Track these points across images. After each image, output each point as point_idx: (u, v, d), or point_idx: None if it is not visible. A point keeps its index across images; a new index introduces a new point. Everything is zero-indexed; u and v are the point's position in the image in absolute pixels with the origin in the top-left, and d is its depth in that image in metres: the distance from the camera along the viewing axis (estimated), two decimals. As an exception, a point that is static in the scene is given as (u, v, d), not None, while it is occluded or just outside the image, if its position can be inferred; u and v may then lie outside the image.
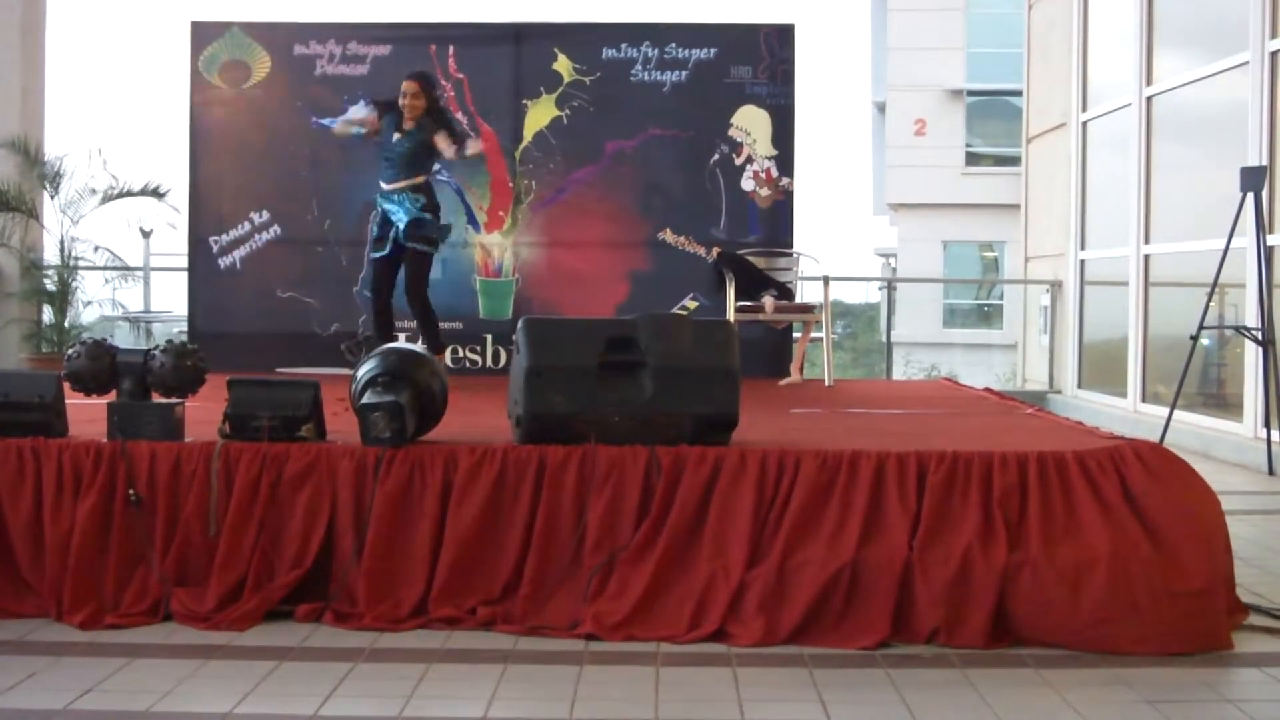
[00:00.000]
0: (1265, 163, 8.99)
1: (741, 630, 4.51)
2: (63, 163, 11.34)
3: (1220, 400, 10.36)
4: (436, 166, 9.86)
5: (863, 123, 48.53)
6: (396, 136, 8.31)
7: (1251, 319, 8.83)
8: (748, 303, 9.05)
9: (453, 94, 9.96)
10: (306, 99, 9.96)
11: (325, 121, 9.50)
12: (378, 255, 8.46)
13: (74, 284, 11.45)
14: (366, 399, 4.92)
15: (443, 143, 8.29)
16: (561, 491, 4.79)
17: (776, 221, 10.03)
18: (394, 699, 3.89)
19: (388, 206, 8.32)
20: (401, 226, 8.24)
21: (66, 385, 5.12)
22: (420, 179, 8.35)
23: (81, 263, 11.46)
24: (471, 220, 10.01)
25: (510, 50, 10.09)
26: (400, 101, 8.28)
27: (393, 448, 4.84)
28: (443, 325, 9.86)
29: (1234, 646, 4.49)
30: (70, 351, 5.17)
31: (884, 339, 15.27)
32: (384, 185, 8.34)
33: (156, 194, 11.47)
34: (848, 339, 29.37)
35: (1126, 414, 11.02)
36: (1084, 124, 12.72)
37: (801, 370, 9.43)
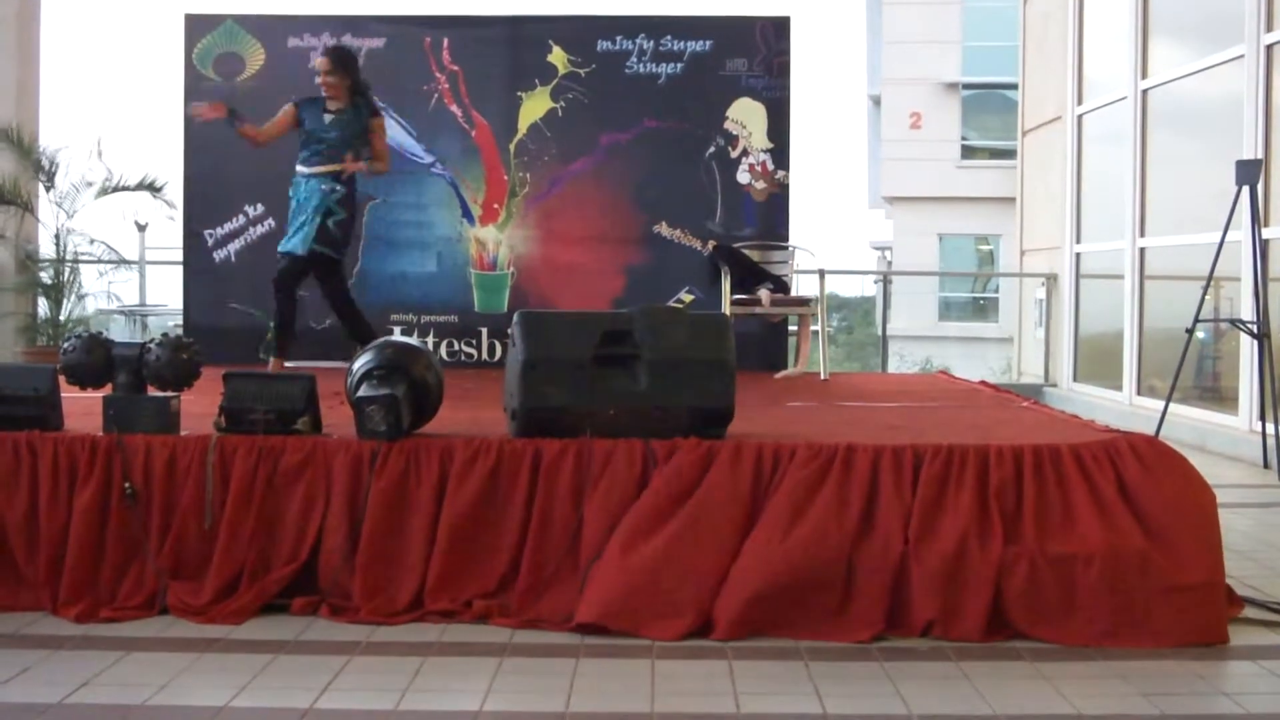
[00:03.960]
0: (1260, 156, 8.99)
1: (735, 622, 4.50)
2: (58, 155, 11.33)
3: (1216, 393, 10.37)
4: (431, 159, 9.89)
5: (858, 116, 48.62)
6: (329, 118, 7.95)
7: (1247, 312, 8.83)
8: (743, 296, 9.05)
9: (447, 86, 9.95)
10: (300, 91, 9.92)
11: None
12: (286, 250, 8.02)
13: (70, 277, 11.44)
14: (362, 392, 4.92)
15: (377, 138, 8.01)
16: (557, 484, 4.79)
17: (772, 214, 10.03)
18: (390, 692, 3.89)
19: (302, 196, 7.95)
20: (309, 231, 7.87)
21: (62, 378, 5.11)
22: (346, 166, 7.93)
23: (77, 256, 11.46)
24: (466, 213, 10.01)
25: (505, 42, 10.09)
26: (317, 82, 7.99)
27: (388, 441, 4.84)
28: (438, 319, 9.91)
29: (1229, 640, 4.50)
30: (66, 345, 5.16)
31: (879, 332, 15.29)
32: (302, 169, 7.99)
33: (152, 188, 11.46)
34: (843, 332, 29.44)
35: (1122, 407, 11.03)
36: (1079, 117, 12.73)
37: (797, 363, 9.43)
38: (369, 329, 8.08)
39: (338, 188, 7.91)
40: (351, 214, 8.09)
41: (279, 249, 8.15)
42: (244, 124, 8.17)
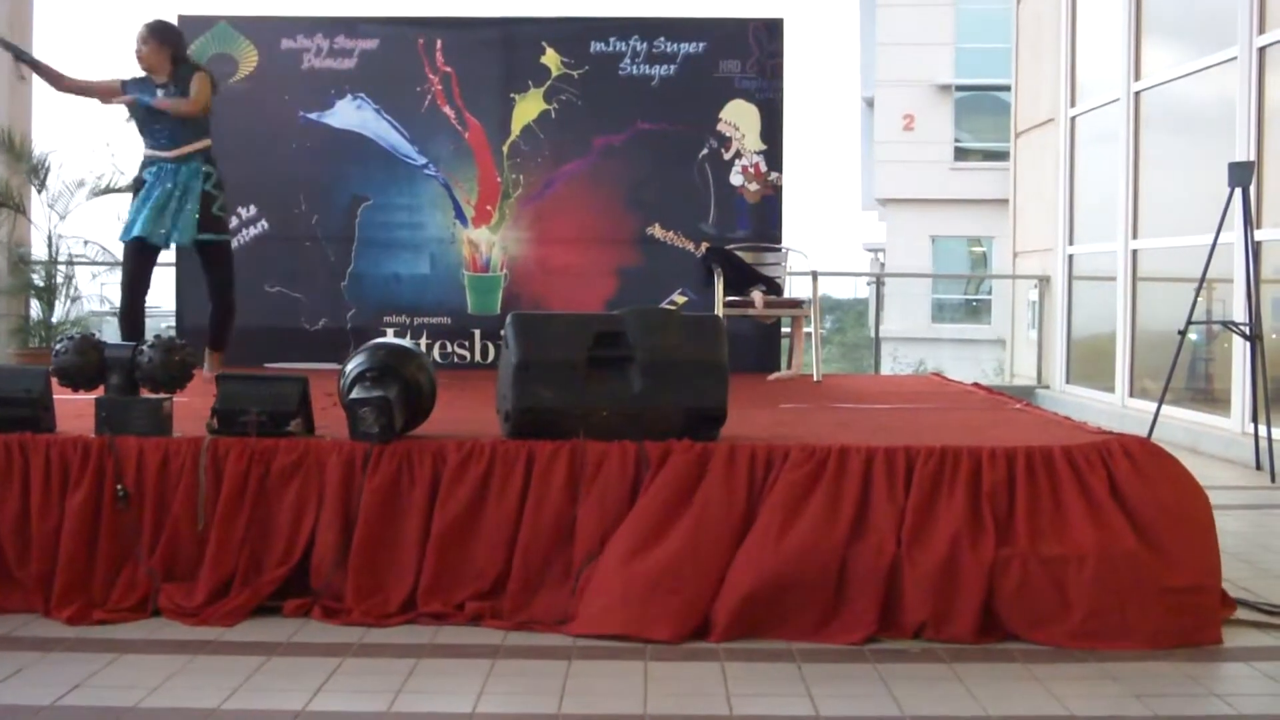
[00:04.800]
0: (1253, 158, 9.01)
1: (731, 625, 4.51)
2: (49, 157, 11.34)
3: (1208, 395, 10.39)
4: (424, 161, 9.88)
5: (851, 118, 48.69)
6: (162, 94, 7.32)
7: (1239, 314, 8.85)
8: (736, 298, 9.05)
9: (440, 87, 9.95)
10: (294, 93, 9.94)
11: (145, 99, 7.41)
12: (140, 240, 7.29)
13: (62, 279, 11.44)
14: (354, 394, 4.91)
15: (197, 82, 7.31)
16: (550, 486, 4.78)
17: (765, 216, 10.03)
18: (382, 694, 3.89)
19: (167, 185, 7.29)
20: (190, 218, 7.26)
21: (54, 380, 5.10)
22: (207, 142, 7.42)
23: (70, 257, 11.46)
24: (459, 215, 10.01)
25: (498, 44, 10.09)
26: (139, 57, 7.34)
27: (381, 443, 4.84)
28: (431, 320, 9.91)
29: (1222, 641, 4.50)
30: (58, 347, 5.16)
31: (872, 334, 15.30)
32: (159, 154, 7.33)
33: (143, 188, 11.45)
34: (836, 334, 29.43)
35: (1114, 409, 11.05)
36: (1072, 119, 12.75)
37: (791, 365, 9.43)
38: (228, 330, 7.67)
39: (212, 170, 7.43)
40: (222, 186, 7.56)
41: (135, 240, 7.38)
42: (37, 67, 7.44)
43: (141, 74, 7.48)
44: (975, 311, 34.65)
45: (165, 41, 7.42)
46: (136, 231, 7.29)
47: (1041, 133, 13.54)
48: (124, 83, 7.47)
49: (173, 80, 7.37)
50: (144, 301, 7.53)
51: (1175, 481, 4.78)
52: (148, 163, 7.40)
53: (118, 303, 7.64)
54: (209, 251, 7.55)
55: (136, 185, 7.46)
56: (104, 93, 7.47)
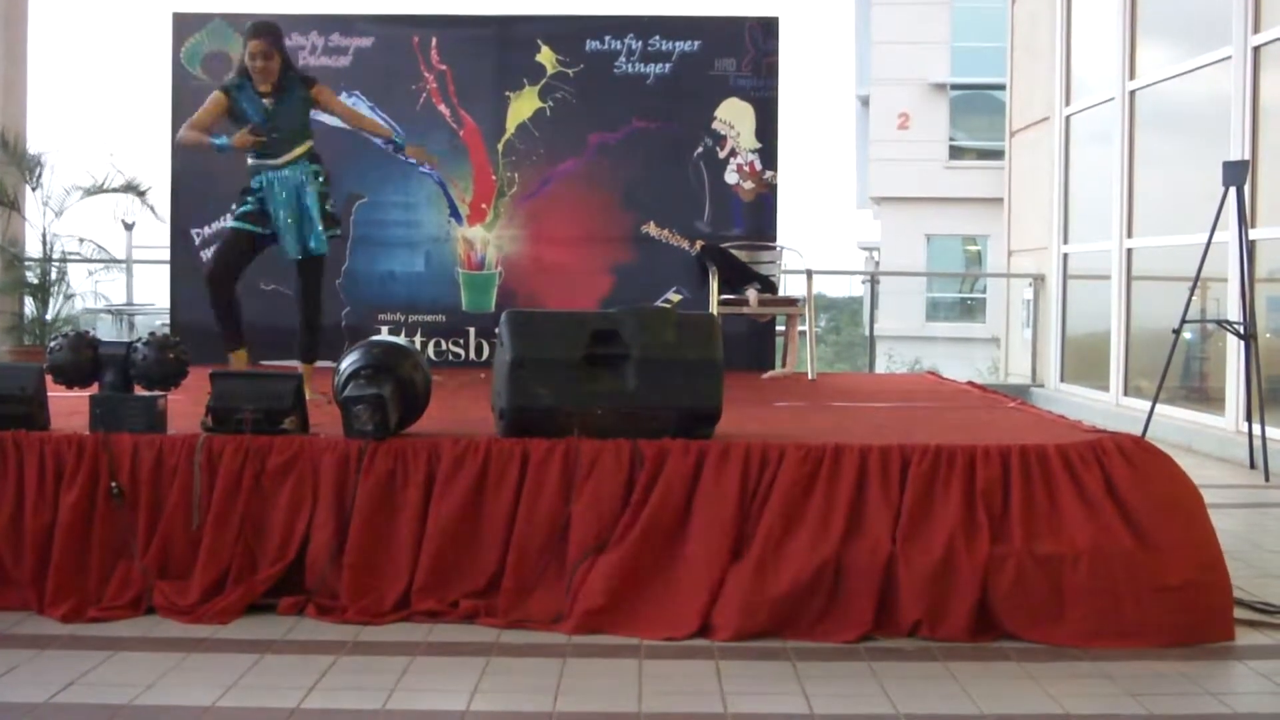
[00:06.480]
0: (1247, 157, 9.01)
1: (723, 624, 4.51)
2: (44, 156, 11.33)
3: (1202, 394, 10.40)
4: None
5: (846, 116, 48.67)
6: (268, 103, 6.91)
7: (1233, 313, 8.86)
8: (731, 296, 9.05)
9: (435, 85, 9.94)
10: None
11: (219, 142, 7.05)
12: (251, 229, 6.97)
13: (56, 277, 11.43)
14: (349, 391, 4.91)
15: (336, 104, 7.30)
16: (544, 484, 4.78)
17: (760, 215, 10.03)
18: (377, 692, 3.89)
19: (286, 196, 6.93)
20: (316, 226, 6.93)
21: (49, 378, 5.10)
22: (311, 144, 7.05)
23: (64, 255, 11.45)
24: (454, 213, 10.00)
25: (493, 41, 10.08)
26: (252, 65, 6.84)
27: (375, 440, 4.84)
28: (426, 318, 9.91)
29: (1235, 638, 4.52)
30: (52, 344, 5.16)
31: (867, 333, 15.28)
32: (269, 161, 6.93)
33: (137, 191, 11.46)
34: (830, 332, 29.43)
35: (1109, 408, 11.05)
36: (1067, 118, 12.75)
37: (785, 363, 9.43)
38: (317, 343, 7.25)
39: (319, 168, 7.07)
40: (329, 180, 7.27)
41: (239, 226, 7.06)
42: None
43: (235, 79, 7.03)
44: (970, 310, 34.65)
45: (280, 46, 6.97)
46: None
47: (1036, 131, 13.55)
48: (225, 89, 7.00)
49: (281, 87, 6.95)
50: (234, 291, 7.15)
51: (1169, 479, 4.79)
52: (254, 170, 7.03)
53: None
54: (316, 258, 7.09)
55: (243, 192, 7.08)
56: (220, 117, 7.02)
